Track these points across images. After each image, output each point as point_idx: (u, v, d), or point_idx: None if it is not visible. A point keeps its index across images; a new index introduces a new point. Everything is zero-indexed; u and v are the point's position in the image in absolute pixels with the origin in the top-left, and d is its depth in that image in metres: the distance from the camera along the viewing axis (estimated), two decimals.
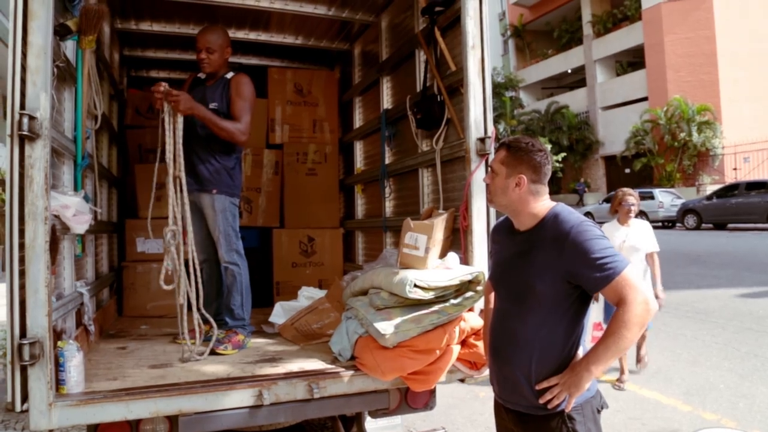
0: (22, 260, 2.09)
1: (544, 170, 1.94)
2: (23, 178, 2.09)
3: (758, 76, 24.68)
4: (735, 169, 23.67)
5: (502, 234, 2.10)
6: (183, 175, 2.99)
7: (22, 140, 2.08)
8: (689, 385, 4.93)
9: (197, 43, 3.40)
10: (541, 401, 1.87)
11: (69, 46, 2.90)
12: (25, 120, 2.05)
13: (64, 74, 2.76)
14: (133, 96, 5.11)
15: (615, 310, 1.78)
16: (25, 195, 2.09)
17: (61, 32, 2.63)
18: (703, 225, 18.66)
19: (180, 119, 3.00)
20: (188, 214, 3.02)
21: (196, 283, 3.01)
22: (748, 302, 7.83)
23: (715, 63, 24.57)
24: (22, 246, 2.09)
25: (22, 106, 2.08)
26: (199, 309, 3.02)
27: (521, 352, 1.92)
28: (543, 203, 1.94)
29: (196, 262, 3.03)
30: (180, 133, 2.99)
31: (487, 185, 2.06)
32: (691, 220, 19.02)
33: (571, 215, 1.88)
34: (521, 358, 1.92)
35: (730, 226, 18.37)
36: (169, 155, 2.96)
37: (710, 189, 21.39)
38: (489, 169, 2.07)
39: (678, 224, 19.81)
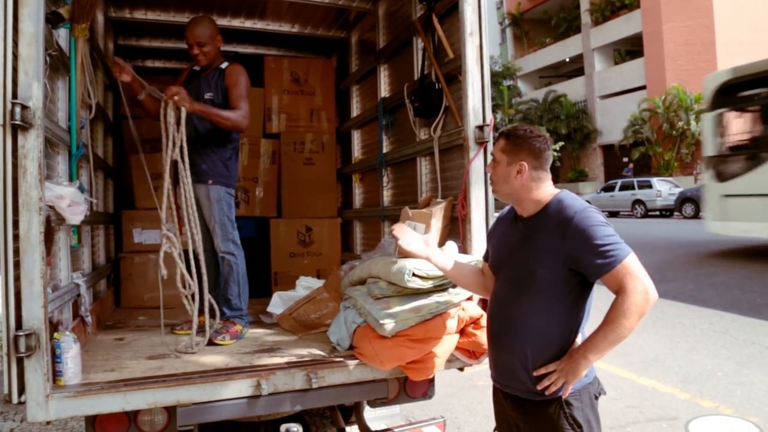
0: (16, 251, 2.06)
1: (544, 156, 1.95)
2: (17, 169, 2.06)
3: None
4: None
5: (506, 221, 2.12)
6: (189, 184, 3.01)
7: (15, 130, 2.05)
8: (687, 373, 4.94)
9: (186, 39, 3.38)
10: (539, 387, 1.87)
11: (62, 35, 2.86)
12: (18, 109, 2.02)
13: (56, 63, 2.73)
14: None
15: (614, 299, 1.78)
16: (19, 185, 2.06)
17: (53, 20, 2.59)
18: (701, 214, 18.65)
19: (183, 115, 2.98)
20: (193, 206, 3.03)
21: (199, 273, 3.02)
22: (746, 290, 7.84)
23: (713, 51, 24.47)
24: (16, 237, 2.06)
25: (14, 96, 2.05)
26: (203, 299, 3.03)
27: (519, 338, 1.92)
28: (546, 189, 1.95)
29: (200, 252, 3.04)
30: (184, 138, 2.98)
31: (490, 175, 2.06)
32: (689, 209, 19.01)
33: (576, 201, 1.88)
34: (519, 344, 1.92)
35: None
36: (175, 155, 2.96)
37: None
38: (491, 158, 2.08)
39: (676, 213, 19.81)
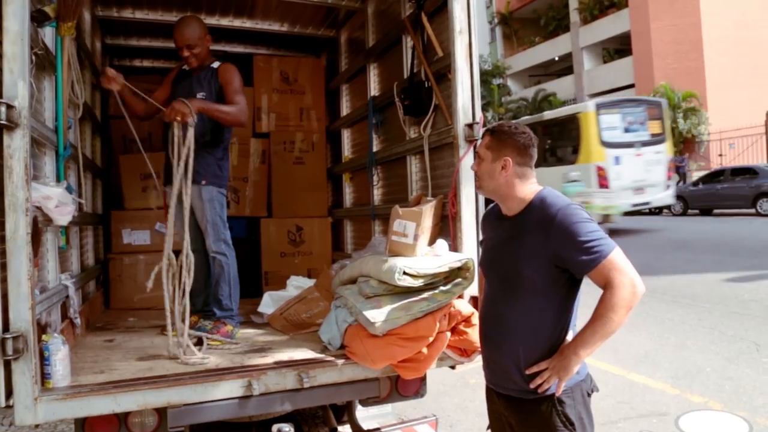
0: (3, 253, 2.04)
1: (529, 152, 1.95)
2: (2, 169, 2.04)
3: (743, 63, 24.79)
4: (720, 155, 23.81)
5: (492, 221, 2.12)
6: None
7: (0, 130, 2.03)
8: (677, 369, 4.98)
9: (176, 42, 3.36)
10: (531, 386, 1.87)
11: (48, 34, 2.83)
12: (3, 109, 1.99)
13: (43, 62, 2.70)
14: None
15: (602, 294, 1.79)
16: (5, 186, 2.04)
17: (38, 18, 2.57)
18: (690, 211, 18.76)
19: (190, 134, 2.93)
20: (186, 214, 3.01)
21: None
22: (734, 286, 7.91)
23: (701, 50, 24.64)
24: (2, 238, 2.04)
25: None
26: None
27: (510, 338, 1.93)
28: (530, 187, 1.95)
29: (190, 254, 3.01)
30: (192, 147, 2.94)
31: (475, 172, 2.06)
32: (677, 206, 19.08)
33: (558, 198, 1.89)
34: (510, 344, 1.92)
35: (716, 211, 18.50)
36: (180, 169, 2.90)
37: (696, 175, 21.50)
38: (475, 155, 2.08)
39: (665, 210, 19.90)
